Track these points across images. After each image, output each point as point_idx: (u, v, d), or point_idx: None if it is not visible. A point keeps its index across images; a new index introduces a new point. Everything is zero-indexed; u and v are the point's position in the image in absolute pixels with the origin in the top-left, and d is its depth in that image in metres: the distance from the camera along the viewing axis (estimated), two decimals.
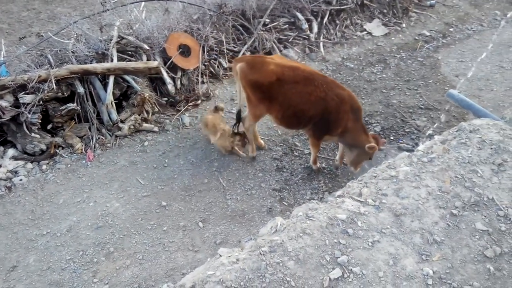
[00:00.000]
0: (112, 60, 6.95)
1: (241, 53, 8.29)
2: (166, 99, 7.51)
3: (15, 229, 5.39)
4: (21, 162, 6.24)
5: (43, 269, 4.90)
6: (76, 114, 6.70)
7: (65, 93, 6.57)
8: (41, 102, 6.22)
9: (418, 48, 9.33)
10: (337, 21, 9.78)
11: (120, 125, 6.70)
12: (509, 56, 8.86)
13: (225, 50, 8.28)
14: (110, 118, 6.70)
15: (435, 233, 3.28)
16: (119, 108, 6.96)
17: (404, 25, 10.22)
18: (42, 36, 8.69)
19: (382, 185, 3.72)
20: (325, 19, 9.54)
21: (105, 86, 6.79)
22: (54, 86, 6.23)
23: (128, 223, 5.41)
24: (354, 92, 6.62)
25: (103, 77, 6.85)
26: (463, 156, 3.88)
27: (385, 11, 10.43)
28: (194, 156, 6.44)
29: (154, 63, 6.96)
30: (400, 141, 6.74)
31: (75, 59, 6.86)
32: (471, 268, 3.08)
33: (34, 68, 6.43)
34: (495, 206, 3.43)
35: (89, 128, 6.73)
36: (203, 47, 7.90)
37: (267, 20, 8.85)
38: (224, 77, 8.19)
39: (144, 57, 7.38)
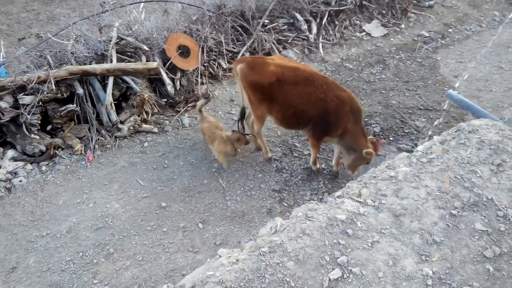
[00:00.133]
0: (111, 61, 6.95)
1: (241, 53, 8.30)
2: (165, 100, 7.52)
3: (14, 230, 5.39)
4: (20, 163, 6.24)
5: (43, 270, 4.90)
6: (75, 115, 6.70)
7: (64, 94, 6.56)
8: (40, 103, 6.22)
9: (417, 49, 9.35)
10: (336, 22, 9.79)
11: (120, 126, 6.70)
12: (508, 56, 8.89)
13: (224, 51, 8.29)
14: (110, 119, 6.70)
15: (434, 233, 3.28)
16: (119, 109, 6.96)
17: (403, 26, 10.24)
18: (41, 37, 8.69)
19: (382, 185, 3.72)
20: (324, 20, 9.55)
21: (104, 87, 6.79)
22: (54, 87, 6.23)
23: (128, 224, 5.41)
24: (353, 92, 6.63)
25: (103, 78, 6.85)
26: (462, 157, 3.89)
27: (384, 12, 10.44)
28: (194, 157, 6.45)
29: (153, 64, 6.96)
30: (400, 142, 6.75)
31: (75, 60, 6.86)
32: (471, 269, 3.09)
33: (33, 69, 6.43)
34: (494, 207, 3.44)
35: (89, 129, 6.73)
36: (203, 48, 7.91)
37: (266, 21, 8.86)
38: (223, 78, 8.20)
39: (144, 58, 7.38)
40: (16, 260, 5.02)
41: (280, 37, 8.97)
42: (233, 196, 5.83)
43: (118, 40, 7.36)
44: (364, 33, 9.93)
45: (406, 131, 6.97)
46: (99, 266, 4.93)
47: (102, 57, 7.05)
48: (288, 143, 6.78)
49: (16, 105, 6.13)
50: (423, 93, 7.85)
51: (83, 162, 6.35)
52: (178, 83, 7.58)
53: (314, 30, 9.31)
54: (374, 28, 10.04)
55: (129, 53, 7.51)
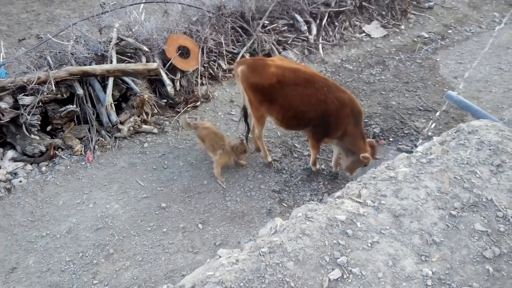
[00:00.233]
0: (111, 62, 6.96)
1: (240, 54, 8.31)
2: (165, 100, 7.52)
3: (14, 230, 5.39)
4: (20, 164, 6.24)
5: (42, 270, 4.90)
6: (75, 116, 6.70)
7: (64, 95, 6.57)
8: (40, 103, 6.23)
9: (417, 50, 9.36)
10: (336, 23, 9.81)
11: (120, 126, 6.70)
12: (507, 58, 8.90)
13: (224, 51, 8.30)
14: (110, 120, 6.70)
15: (434, 234, 3.29)
16: (119, 110, 6.96)
17: (402, 27, 10.26)
18: (41, 38, 8.70)
19: (381, 186, 3.73)
20: (324, 21, 9.57)
21: (104, 87, 6.79)
22: (54, 88, 6.24)
23: (127, 225, 5.41)
24: (353, 93, 6.65)
25: (103, 79, 6.86)
26: (462, 157, 3.89)
27: (383, 13, 10.46)
28: (194, 158, 6.45)
29: (153, 65, 6.97)
30: (399, 143, 6.75)
31: (75, 61, 6.87)
32: (470, 269, 3.09)
33: (33, 70, 6.43)
34: (494, 207, 3.44)
35: (89, 130, 6.74)
36: (202, 49, 7.92)
37: (266, 22, 8.87)
38: (223, 79, 8.21)
39: (144, 59, 7.39)
40: (16, 261, 5.02)
41: (280, 38, 8.98)
42: (233, 197, 5.83)
43: (118, 41, 7.37)
44: (364, 34, 9.94)
45: (405, 132, 6.98)
46: (99, 266, 4.93)
47: (102, 58, 7.06)
48: (288, 144, 6.79)
49: (16, 106, 6.14)
50: (422, 94, 7.86)
51: (83, 163, 6.35)
52: (178, 84, 7.59)
53: (314, 31, 9.32)
54: (374, 29, 10.05)
55: (129, 54, 7.52)
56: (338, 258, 3.10)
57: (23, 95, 6.14)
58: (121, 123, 6.74)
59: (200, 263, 4.57)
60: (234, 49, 8.51)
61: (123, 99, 7.15)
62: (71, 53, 6.91)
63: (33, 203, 5.76)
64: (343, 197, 3.72)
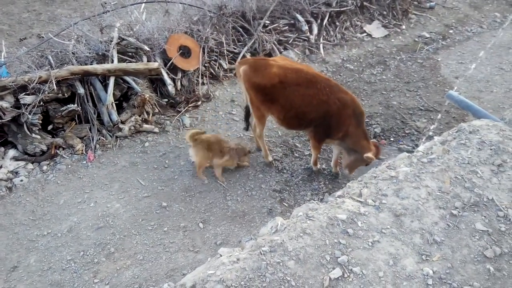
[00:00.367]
0: (112, 61, 6.96)
1: (241, 54, 8.31)
2: (166, 100, 7.53)
3: (15, 229, 5.40)
4: (21, 163, 6.25)
5: (43, 269, 4.90)
6: (76, 115, 6.71)
7: (65, 94, 6.58)
8: (41, 103, 6.23)
9: (418, 50, 9.36)
10: (337, 23, 9.81)
11: (121, 126, 6.70)
12: (508, 58, 8.90)
13: (225, 51, 8.30)
14: (111, 119, 6.70)
15: (435, 233, 3.29)
16: (120, 109, 6.97)
17: (404, 27, 10.26)
18: (42, 37, 8.71)
19: (382, 185, 3.73)
20: (325, 21, 9.57)
21: (105, 87, 6.80)
22: (55, 87, 6.24)
23: (128, 224, 5.42)
24: (354, 93, 6.64)
25: (104, 78, 6.87)
26: (463, 157, 3.89)
27: (384, 13, 10.46)
28: None
29: (154, 64, 6.98)
30: (400, 142, 6.75)
31: (76, 60, 6.88)
32: (471, 268, 3.09)
33: (34, 69, 6.44)
34: (495, 207, 3.44)
35: (90, 129, 6.74)
36: (203, 49, 7.92)
37: (267, 22, 8.87)
38: (224, 78, 8.21)
39: (145, 58, 7.39)
40: (17, 259, 5.02)
41: (281, 38, 8.98)
42: (234, 196, 5.83)
43: (119, 41, 7.37)
44: (365, 34, 9.95)
45: (406, 131, 6.98)
46: (100, 265, 4.94)
47: (103, 57, 7.06)
48: (289, 144, 6.79)
49: (17, 105, 6.14)
50: (423, 94, 7.86)
51: (84, 162, 6.35)
52: (179, 83, 7.59)
53: (315, 31, 9.32)
54: (375, 29, 10.05)
55: (130, 54, 7.52)
56: (339, 257, 3.11)
57: (25, 94, 6.15)
58: (122, 122, 6.75)
59: (201, 262, 4.58)
60: (235, 48, 8.51)
61: (124, 99, 7.16)
62: (72, 53, 6.91)
63: (34, 202, 5.77)
64: (344, 197, 3.72)
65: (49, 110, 6.46)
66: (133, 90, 7.02)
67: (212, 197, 5.81)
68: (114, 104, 6.77)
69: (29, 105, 6.11)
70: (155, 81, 7.53)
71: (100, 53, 7.05)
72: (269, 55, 8.51)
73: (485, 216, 3.38)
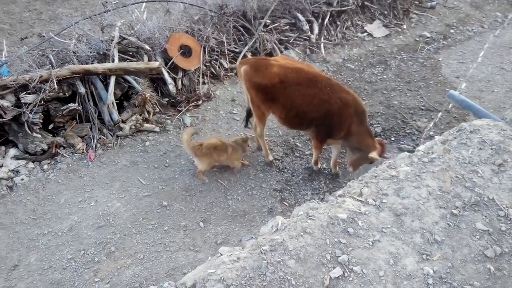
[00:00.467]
0: (113, 61, 6.96)
1: (242, 54, 8.31)
2: (167, 99, 7.52)
3: (16, 228, 5.41)
4: (22, 162, 6.26)
5: (44, 268, 4.91)
6: (77, 114, 6.72)
7: (66, 93, 6.58)
8: (42, 102, 6.24)
9: (419, 50, 9.35)
10: (338, 22, 9.80)
11: (121, 125, 6.71)
12: (509, 57, 8.89)
13: (226, 50, 8.30)
14: (111, 118, 6.71)
15: (435, 232, 3.29)
16: (120, 108, 6.97)
17: (404, 26, 10.24)
18: (43, 36, 8.72)
19: (383, 185, 3.73)
20: (326, 20, 9.56)
21: (106, 86, 6.80)
22: (56, 86, 6.25)
23: (129, 223, 5.42)
24: (355, 93, 6.63)
25: (104, 78, 6.87)
26: (464, 156, 3.89)
27: (385, 12, 10.45)
28: None
29: (155, 64, 6.98)
30: (401, 142, 6.75)
31: (77, 59, 6.88)
32: (472, 268, 3.09)
33: (35, 68, 6.44)
34: (496, 206, 3.44)
35: (91, 128, 6.75)
36: (204, 48, 7.92)
37: (268, 21, 8.86)
38: (225, 78, 8.21)
39: (145, 58, 7.39)
40: (18, 258, 5.03)
41: (281, 37, 8.97)
42: (234, 196, 5.84)
43: (120, 40, 7.37)
44: (366, 33, 9.93)
45: (407, 131, 6.97)
46: (100, 264, 4.94)
47: (104, 57, 7.07)
48: (290, 143, 6.79)
49: (18, 104, 6.14)
50: (424, 94, 7.86)
51: (85, 161, 6.36)
52: (179, 83, 7.59)
53: (316, 30, 9.31)
54: (376, 29, 10.04)
55: (131, 53, 7.52)
56: (339, 256, 3.11)
57: (25, 94, 6.15)
58: (123, 121, 6.75)
59: (201, 261, 4.58)
60: (236, 48, 8.51)
61: (125, 98, 7.16)
62: (73, 52, 6.91)
63: (35, 201, 5.77)
64: (344, 196, 3.72)
65: (50, 109, 6.47)
66: (134, 89, 7.02)
67: (212, 196, 5.82)
68: (115, 103, 6.77)
69: (30, 104, 6.11)
70: (156, 81, 7.53)
71: (101, 52, 7.05)
72: (270, 54, 8.51)
73: (485, 216, 3.38)
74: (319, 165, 6.23)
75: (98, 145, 6.58)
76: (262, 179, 6.11)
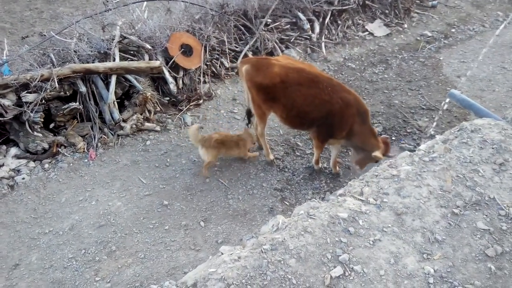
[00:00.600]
0: (114, 60, 6.97)
1: (243, 53, 8.31)
2: (168, 98, 7.53)
3: (17, 227, 5.41)
4: (23, 161, 6.26)
5: (45, 267, 4.92)
6: (78, 113, 6.72)
7: (67, 92, 6.59)
8: (43, 101, 6.24)
9: (420, 49, 9.34)
10: (339, 22, 9.79)
11: (122, 124, 6.71)
12: (511, 57, 8.87)
13: (227, 50, 8.30)
14: (112, 117, 6.71)
15: (436, 232, 3.29)
16: (121, 108, 6.97)
17: (406, 25, 10.23)
18: (44, 35, 8.72)
19: (384, 184, 3.73)
20: (327, 20, 9.55)
21: (107, 85, 6.81)
22: (57, 85, 6.26)
23: (130, 222, 5.43)
24: (356, 92, 6.63)
25: (105, 77, 6.88)
26: (465, 156, 3.89)
27: (387, 11, 10.43)
28: (196, 156, 6.44)
29: (156, 63, 6.98)
30: (402, 141, 6.74)
31: (78, 59, 6.88)
32: (472, 267, 3.09)
33: (36, 67, 6.45)
34: (497, 206, 3.44)
35: (91, 127, 6.75)
36: (205, 47, 7.92)
37: (269, 20, 8.85)
38: (226, 77, 8.20)
39: (146, 57, 7.39)
40: (19, 257, 5.04)
41: (282, 37, 8.97)
42: (235, 195, 5.84)
43: (121, 39, 7.37)
44: (367, 32, 9.92)
45: (408, 130, 6.97)
46: (101, 263, 4.95)
47: (105, 56, 7.07)
48: (291, 142, 6.79)
49: (19, 103, 6.15)
50: (425, 93, 7.85)
51: (86, 160, 6.36)
52: (180, 82, 7.59)
53: (317, 29, 9.30)
54: (377, 28, 10.03)
55: (132, 52, 7.52)
56: (340, 255, 3.11)
57: (26, 93, 6.16)
58: (124, 120, 6.75)
59: (202, 261, 4.58)
60: (236, 47, 8.51)
61: (125, 97, 7.16)
62: (74, 51, 6.92)
63: (36, 200, 5.78)
64: (345, 195, 3.72)
65: (51, 108, 6.48)
66: (134, 88, 7.03)
67: (213, 195, 5.82)
68: (115, 103, 6.78)
69: (31, 103, 6.12)
70: (157, 80, 7.53)
71: (102, 51, 7.06)
72: (271, 53, 8.51)
73: (486, 215, 3.38)
74: (320, 165, 6.22)
75: (99, 144, 6.58)
76: (263, 178, 6.11)
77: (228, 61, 8.29)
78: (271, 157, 6.33)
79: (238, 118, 7.22)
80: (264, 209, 5.63)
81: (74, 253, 5.06)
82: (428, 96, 7.75)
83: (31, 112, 6.09)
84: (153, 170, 6.22)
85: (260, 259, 3.06)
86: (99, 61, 6.94)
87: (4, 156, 6.26)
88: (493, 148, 3.91)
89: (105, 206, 5.65)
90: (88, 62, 6.86)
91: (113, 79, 6.75)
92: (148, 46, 7.35)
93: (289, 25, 9.20)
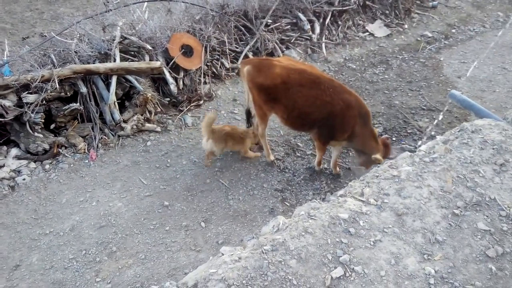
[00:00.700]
0: (114, 60, 6.97)
1: (243, 53, 8.31)
2: (168, 99, 7.53)
3: (18, 228, 5.41)
4: (24, 162, 6.26)
5: (46, 268, 4.92)
6: (79, 114, 6.72)
7: (68, 93, 6.59)
8: (44, 101, 6.25)
9: (420, 49, 9.34)
10: (339, 22, 9.79)
11: (123, 125, 6.72)
12: (511, 57, 8.86)
13: (227, 50, 8.30)
14: (113, 118, 6.72)
15: (437, 232, 3.29)
16: (122, 108, 6.98)
17: (406, 26, 10.23)
18: (45, 36, 8.71)
19: (384, 184, 3.73)
20: (327, 20, 9.55)
21: (107, 86, 6.81)
22: (57, 86, 6.26)
23: (130, 223, 5.43)
24: (356, 93, 6.63)
25: (106, 77, 6.88)
26: (465, 156, 3.89)
27: (387, 12, 10.44)
28: (197, 156, 6.45)
29: (156, 63, 6.99)
30: (402, 142, 6.74)
31: (78, 59, 6.89)
32: (473, 268, 3.09)
33: (37, 68, 6.45)
34: (497, 206, 3.44)
35: (92, 128, 6.75)
36: (206, 48, 7.92)
37: (269, 21, 8.86)
38: (226, 78, 8.21)
39: (147, 57, 7.39)
40: (20, 258, 5.04)
41: (283, 37, 8.97)
42: (236, 196, 5.84)
43: (121, 39, 7.38)
44: (367, 33, 9.92)
45: (409, 131, 6.96)
46: (101, 264, 4.95)
47: (105, 56, 7.07)
48: (291, 143, 6.79)
49: (20, 104, 6.15)
50: (426, 94, 7.85)
51: (86, 161, 6.37)
52: (181, 83, 7.59)
53: (317, 30, 9.31)
54: (377, 28, 10.03)
55: (132, 52, 7.53)
56: (341, 256, 3.11)
57: (27, 93, 6.16)
58: (124, 121, 6.76)
59: (203, 261, 4.58)
60: (237, 48, 8.52)
61: (126, 98, 7.17)
62: (74, 52, 6.92)
63: (37, 201, 5.78)
64: (345, 196, 3.72)
65: (51, 109, 6.48)
66: (135, 89, 7.03)
67: (214, 196, 5.82)
68: (116, 103, 6.78)
69: (31, 104, 6.12)
70: (157, 80, 7.54)
71: (103, 52, 7.06)
72: (271, 54, 8.51)
73: (487, 216, 3.38)
74: (321, 166, 6.22)
75: (100, 145, 6.59)
76: (263, 179, 6.11)
77: (229, 62, 8.30)
78: (272, 157, 6.33)
79: (238, 119, 7.22)
80: (264, 209, 5.63)
81: (74, 253, 5.06)
82: (428, 96, 7.75)
83: (32, 112, 6.10)
84: (153, 171, 6.22)
85: (260, 259, 3.06)
86: (99, 62, 6.94)
87: (5, 157, 6.26)
88: (493, 149, 3.92)
89: (106, 207, 5.65)
90: (88, 63, 6.87)
91: (114, 80, 6.76)
92: (148, 46, 7.36)
93: (289, 26, 9.20)
